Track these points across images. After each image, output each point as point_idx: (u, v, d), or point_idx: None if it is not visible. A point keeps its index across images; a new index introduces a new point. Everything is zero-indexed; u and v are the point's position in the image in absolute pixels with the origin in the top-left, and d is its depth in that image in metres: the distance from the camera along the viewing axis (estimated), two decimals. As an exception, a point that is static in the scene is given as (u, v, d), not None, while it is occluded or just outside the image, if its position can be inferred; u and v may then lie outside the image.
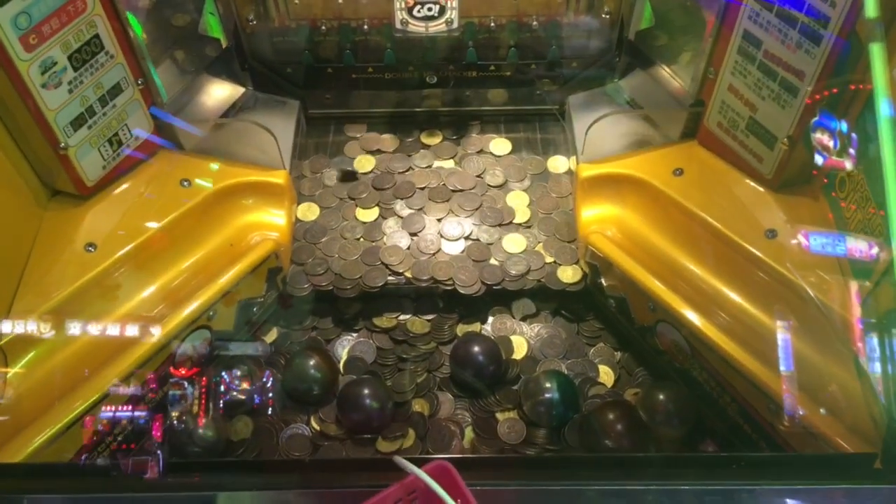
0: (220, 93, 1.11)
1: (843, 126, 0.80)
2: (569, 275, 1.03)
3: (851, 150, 0.78)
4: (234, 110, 1.12)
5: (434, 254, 1.05)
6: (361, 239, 1.07)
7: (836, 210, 0.86)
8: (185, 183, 0.98)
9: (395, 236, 1.07)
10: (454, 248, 1.06)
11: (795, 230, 0.87)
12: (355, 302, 1.06)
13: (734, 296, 0.88)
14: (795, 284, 0.83)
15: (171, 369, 0.91)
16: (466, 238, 1.07)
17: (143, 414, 0.89)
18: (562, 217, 1.08)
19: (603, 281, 0.99)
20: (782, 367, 0.81)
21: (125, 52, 0.90)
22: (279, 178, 1.02)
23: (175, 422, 0.91)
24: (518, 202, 1.11)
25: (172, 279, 0.93)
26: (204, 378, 0.96)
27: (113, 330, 0.86)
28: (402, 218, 1.09)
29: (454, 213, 1.09)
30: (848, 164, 0.80)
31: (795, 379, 0.80)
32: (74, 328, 0.84)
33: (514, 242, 1.06)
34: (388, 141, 1.18)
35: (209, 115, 1.08)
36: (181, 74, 1.03)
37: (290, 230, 1.04)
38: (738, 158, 0.94)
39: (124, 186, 0.96)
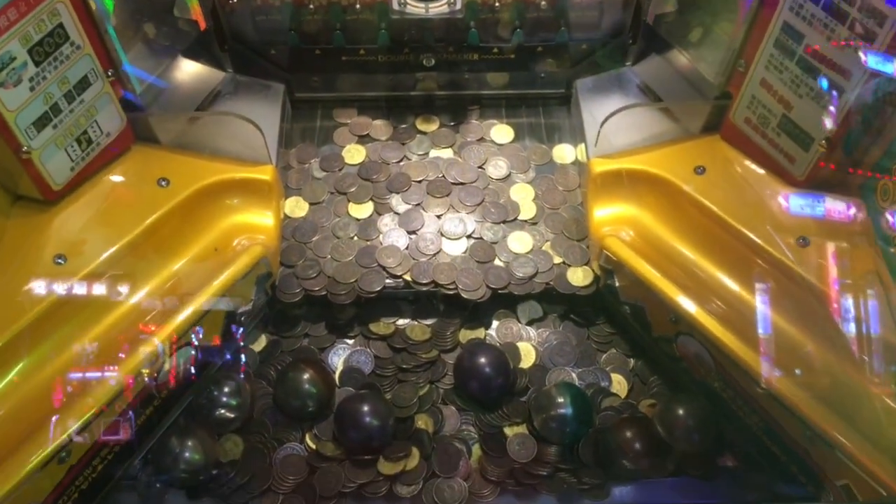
0: (198, 78, 1.02)
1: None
2: (579, 277, 0.96)
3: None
4: (213, 96, 1.02)
5: (435, 254, 0.98)
6: (355, 238, 1.00)
7: (875, 217, 0.80)
8: (163, 182, 0.89)
9: (392, 235, 1.00)
10: (456, 249, 0.99)
11: (829, 238, 0.82)
12: (350, 307, 0.98)
13: (764, 309, 0.82)
14: (830, 298, 0.77)
15: (155, 389, 0.84)
16: (469, 237, 1.00)
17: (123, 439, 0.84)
18: (570, 213, 1.01)
19: (618, 286, 0.93)
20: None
21: (93, 41, 0.80)
22: (265, 174, 0.94)
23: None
24: (523, 196, 1.03)
25: (152, 293, 0.85)
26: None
27: (87, 354, 0.79)
28: (398, 214, 1.02)
29: (454, 208, 1.02)
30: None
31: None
32: (44, 352, 0.76)
33: (520, 241, 0.99)
34: (380, 127, 1.10)
35: (187, 104, 0.99)
36: (155, 60, 0.93)
37: (278, 232, 0.96)
38: (766, 158, 0.87)
39: (95, 189, 0.87)
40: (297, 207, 1.02)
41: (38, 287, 0.78)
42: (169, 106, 0.96)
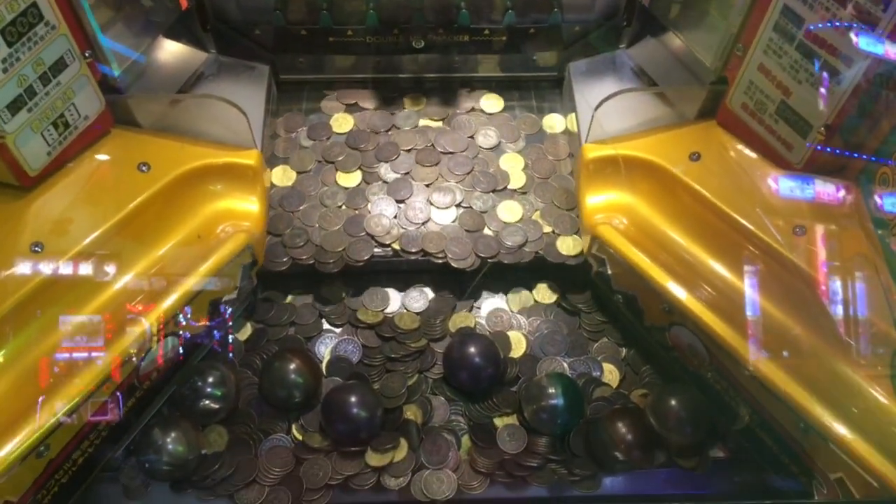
0: (180, 59, 0.99)
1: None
2: (569, 245, 0.96)
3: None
4: (196, 78, 1.00)
5: (424, 223, 0.97)
6: (343, 207, 0.99)
7: (870, 204, 0.79)
8: (144, 167, 0.86)
9: (381, 204, 0.99)
10: (445, 218, 0.98)
11: (826, 226, 0.80)
12: (337, 279, 0.97)
13: (759, 300, 0.80)
14: (827, 290, 0.76)
15: (137, 380, 0.82)
16: (458, 206, 0.99)
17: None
18: (560, 182, 1.01)
19: (610, 274, 0.91)
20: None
21: (69, 21, 0.77)
22: (250, 158, 0.91)
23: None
24: (512, 165, 1.03)
25: (134, 281, 0.82)
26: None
27: (65, 345, 0.76)
28: (387, 183, 1.01)
29: (444, 177, 1.01)
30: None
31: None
32: (20, 344, 0.74)
33: (510, 210, 0.98)
34: (368, 97, 1.09)
35: (169, 86, 0.96)
36: (135, 41, 0.90)
37: (263, 218, 0.93)
38: (763, 144, 0.85)
39: (73, 175, 0.84)
40: (284, 176, 1.01)
41: (14, 276, 0.75)
42: (149, 88, 0.93)
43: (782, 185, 0.83)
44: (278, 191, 0.99)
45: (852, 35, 0.71)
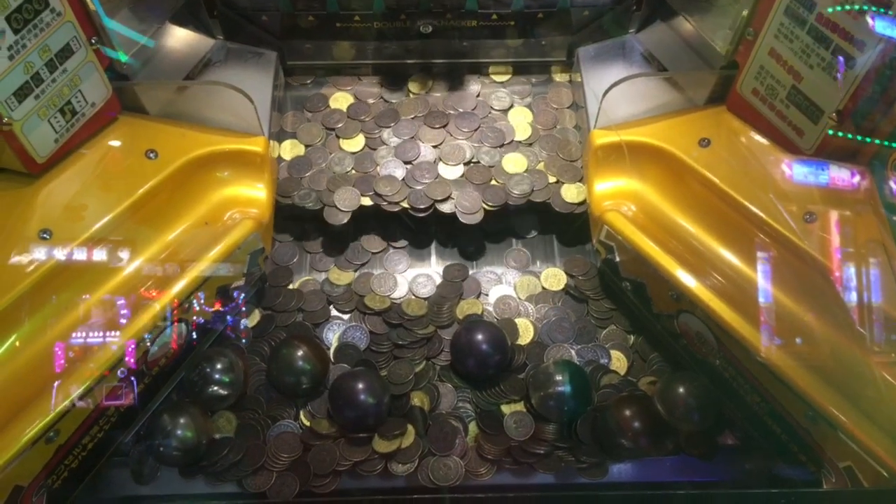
0: (187, 45, 0.98)
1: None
2: (573, 193, 0.98)
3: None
4: (203, 65, 0.99)
5: (433, 181, 0.99)
6: (353, 171, 1.00)
7: (884, 189, 0.78)
8: (152, 154, 0.87)
9: (390, 165, 1.00)
10: (453, 174, 0.99)
11: (838, 212, 0.79)
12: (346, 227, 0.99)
13: (769, 287, 0.80)
14: (840, 278, 0.75)
15: (146, 366, 0.83)
16: (466, 164, 1.00)
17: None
18: (563, 134, 1.03)
19: (618, 261, 0.90)
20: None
21: (75, 7, 0.77)
22: (257, 145, 0.91)
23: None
24: (520, 119, 1.05)
25: (141, 268, 0.83)
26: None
27: (76, 332, 0.77)
28: (393, 148, 1.02)
29: (452, 135, 1.02)
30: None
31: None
32: (29, 331, 0.74)
33: (515, 162, 1.00)
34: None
35: (176, 72, 0.95)
36: (142, 27, 0.90)
37: (270, 205, 0.93)
38: (773, 130, 0.84)
39: (81, 162, 0.84)
40: (293, 151, 1.04)
41: (22, 263, 0.76)
42: (156, 75, 0.92)
43: (793, 171, 0.82)
44: (286, 163, 1.02)
45: (865, 18, 0.70)
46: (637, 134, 0.90)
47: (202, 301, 0.86)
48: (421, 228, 1.01)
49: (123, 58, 0.86)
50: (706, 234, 0.85)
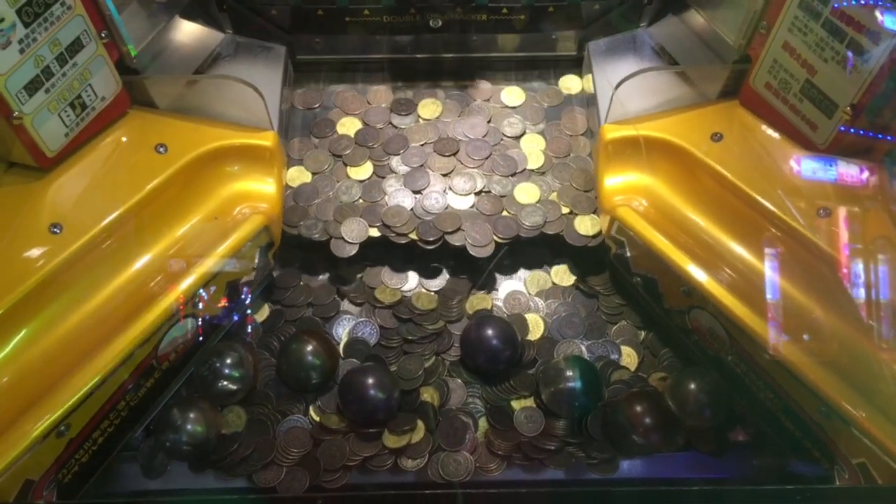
0: (196, 39, 0.98)
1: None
2: (587, 225, 0.95)
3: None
4: (212, 59, 0.99)
5: (442, 211, 0.96)
6: (361, 200, 0.97)
7: (893, 186, 0.77)
8: (161, 148, 0.86)
9: (398, 195, 0.97)
10: (464, 204, 0.97)
11: (851, 208, 0.78)
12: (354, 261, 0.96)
13: (782, 282, 0.79)
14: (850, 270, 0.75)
15: (156, 361, 0.82)
16: (477, 194, 0.97)
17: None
18: (577, 164, 0.99)
19: (629, 256, 0.90)
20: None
21: (85, 1, 0.77)
22: (267, 139, 0.91)
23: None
24: (533, 147, 1.01)
25: (152, 262, 0.82)
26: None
27: (86, 325, 0.77)
28: (402, 176, 0.99)
29: (462, 163, 0.99)
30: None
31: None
32: (39, 326, 0.74)
33: (527, 192, 0.97)
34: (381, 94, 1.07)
35: (185, 66, 0.95)
36: (151, 21, 0.90)
37: (280, 199, 0.93)
38: (787, 124, 0.84)
39: (91, 156, 0.84)
40: (299, 178, 0.99)
41: (33, 257, 0.75)
42: (166, 69, 0.92)
43: (806, 167, 0.82)
44: (293, 191, 0.98)
45: (880, 12, 0.69)
46: (648, 128, 0.90)
47: (206, 297, 0.86)
48: (429, 258, 0.98)
49: (133, 52, 0.85)
50: (718, 230, 0.85)
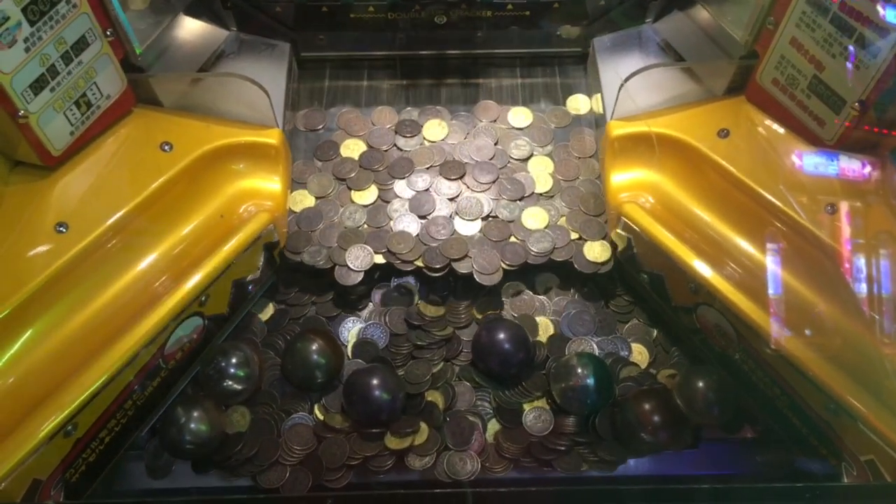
0: (201, 37, 0.97)
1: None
2: (597, 251, 0.92)
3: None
4: (217, 56, 0.99)
5: (449, 237, 0.93)
6: (365, 226, 0.95)
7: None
8: (166, 147, 0.86)
9: (403, 220, 0.95)
10: (470, 230, 0.94)
11: (859, 204, 0.78)
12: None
13: (789, 279, 0.79)
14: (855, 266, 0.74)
15: (162, 360, 0.82)
16: (484, 219, 0.95)
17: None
18: (587, 187, 0.97)
19: (636, 254, 0.90)
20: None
21: (90, -1, 0.77)
22: (272, 137, 0.91)
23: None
24: (540, 170, 0.99)
25: (157, 261, 0.82)
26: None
27: (92, 325, 0.76)
28: (407, 201, 0.96)
29: (469, 187, 0.97)
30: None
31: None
32: (45, 325, 0.74)
33: (535, 217, 0.95)
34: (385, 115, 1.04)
35: (190, 64, 0.95)
36: (156, 19, 0.90)
37: (285, 197, 0.93)
38: (794, 120, 0.83)
39: (96, 154, 0.84)
40: (302, 202, 0.97)
41: (39, 256, 0.75)
42: (171, 67, 0.92)
43: (813, 163, 0.82)
44: (296, 216, 0.95)
45: (889, 7, 0.69)
46: (655, 125, 0.89)
47: (212, 295, 0.86)
48: (436, 287, 0.96)
49: (138, 50, 0.85)
50: (725, 226, 0.84)
